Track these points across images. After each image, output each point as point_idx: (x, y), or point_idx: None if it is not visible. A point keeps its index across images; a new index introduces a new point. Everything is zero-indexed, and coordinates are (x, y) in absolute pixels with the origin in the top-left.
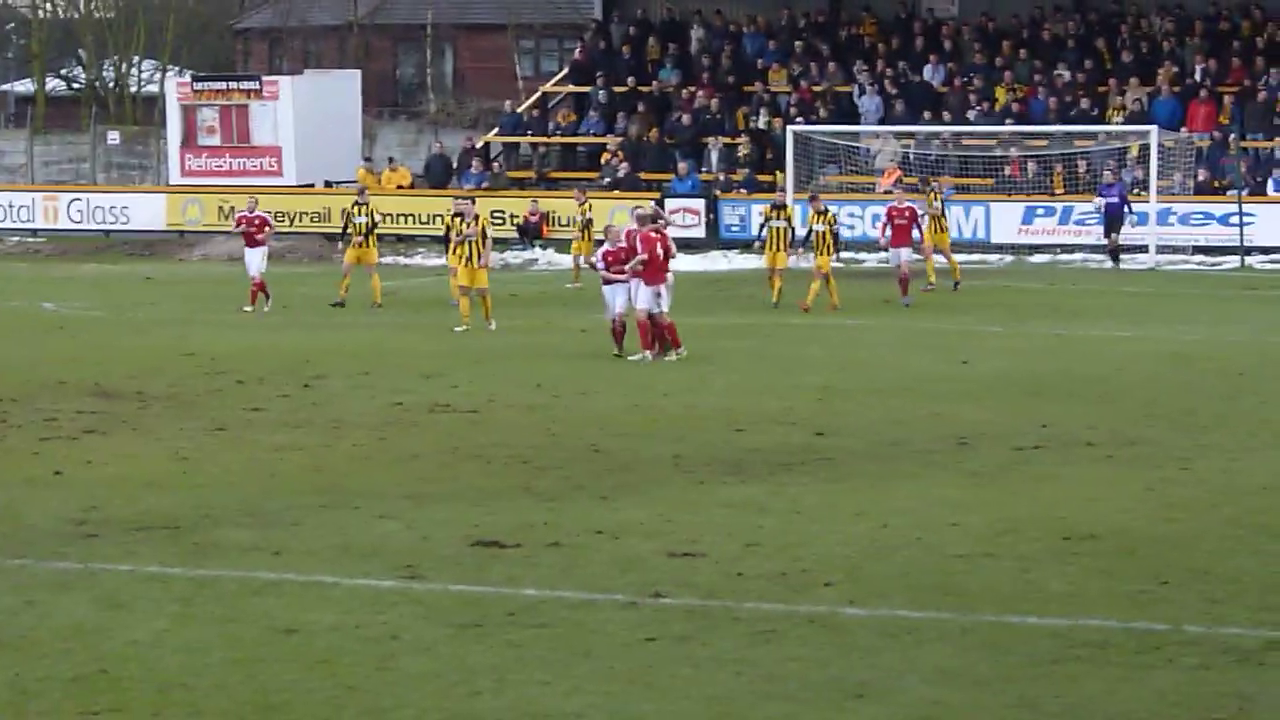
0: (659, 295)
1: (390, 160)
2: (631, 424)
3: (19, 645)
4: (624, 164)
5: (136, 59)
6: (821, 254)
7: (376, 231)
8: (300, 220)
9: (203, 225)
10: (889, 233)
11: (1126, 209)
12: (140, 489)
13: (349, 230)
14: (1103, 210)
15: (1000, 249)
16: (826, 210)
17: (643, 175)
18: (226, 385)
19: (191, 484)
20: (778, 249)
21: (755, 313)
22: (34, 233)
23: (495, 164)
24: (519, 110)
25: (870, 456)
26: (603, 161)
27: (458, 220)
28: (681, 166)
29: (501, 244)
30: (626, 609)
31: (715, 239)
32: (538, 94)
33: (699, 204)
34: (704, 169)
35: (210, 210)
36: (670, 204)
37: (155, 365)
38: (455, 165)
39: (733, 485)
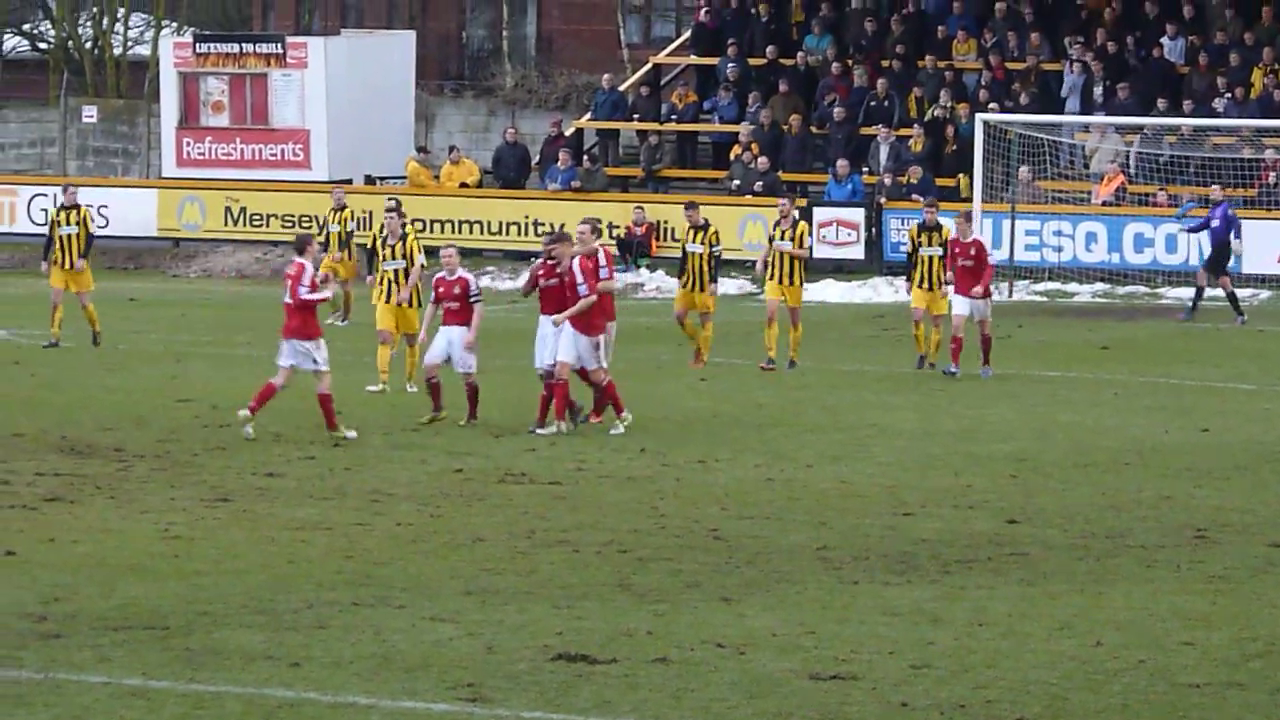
0: (597, 347)
1: (452, 150)
2: (764, 503)
3: None
4: (760, 159)
5: (122, 11)
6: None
7: (355, 241)
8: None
9: (204, 231)
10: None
11: (1234, 235)
12: (118, 575)
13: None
14: (1208, 234)
15: (1256, 280)
16: (708, 226)
17: (783, 175)
18: (232, 442)
19: (185, 571)
20: (928, 284)
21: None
22: None
23: (589, 157)
24: (622, 88)
25: (1077, 552)
26: (731, 157)
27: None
28: (839, 166)
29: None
30: None
31: (878, 260)
32: (648, 67)
33: (858, 215)
34: (865, 169)
35: (214, 212)
36: (820, 214)
37: (140, 414)
38: (537, 158)
39: (897, 587)
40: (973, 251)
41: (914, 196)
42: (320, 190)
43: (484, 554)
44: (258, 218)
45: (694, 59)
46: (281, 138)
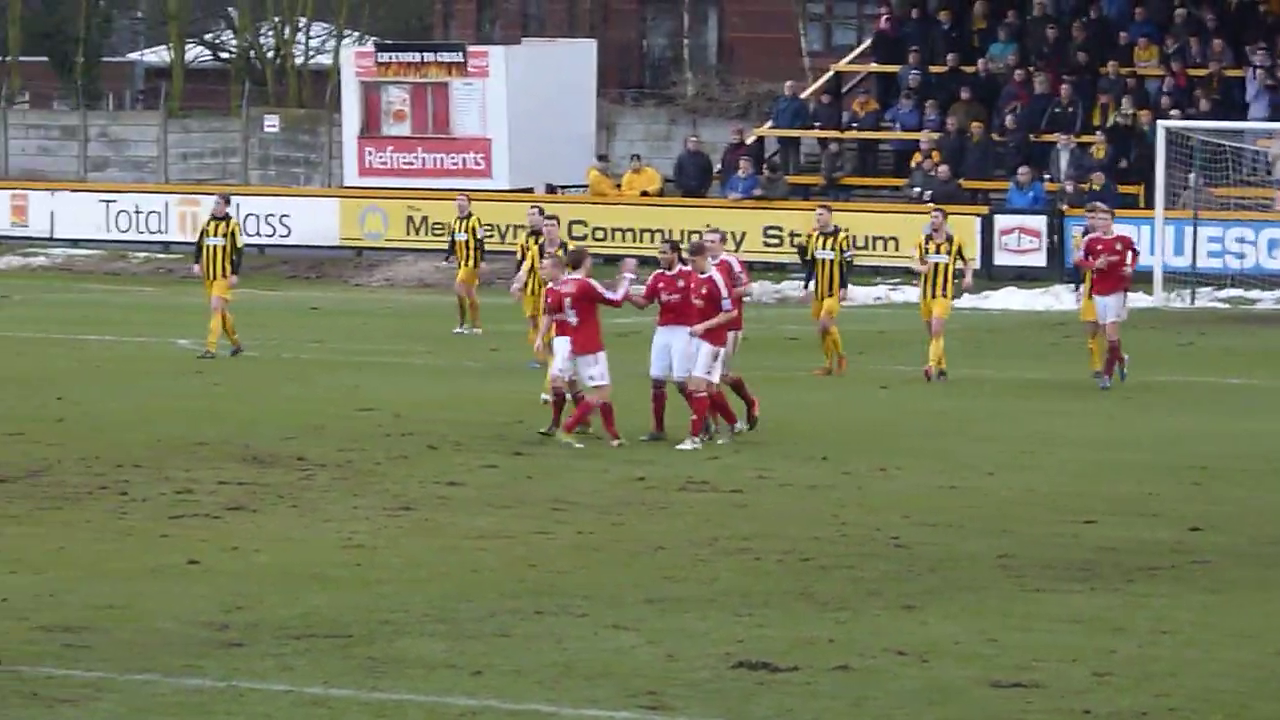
0: (716, 358)
1: (634, 159)
2: (945, 511)
3: None
4: (942, 167)
5: (303, 21)
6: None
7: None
8: (515, 235)
9: (386, 240)
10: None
11: None
12: (300, 585)
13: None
14: None
15: None
16: (838, 232)
17: (964, 183)
18: (414, 450)
19: (367, 579)
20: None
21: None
22: (166, 246)
23: (769, 166)
24: (803, 95)
25: (1262, 560)
26: (913, 164)
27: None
28: (1021, 173)
29: (778, 271)
30: None
31: (1059, 268)
32: (829, 74)
33: (1040, 223)
34: (1047, 176)
35: (396, 221)
36: (1002, 221)
37: (321, 423)
38: (718, 166)
39: (1080, 594)
40: (1118, 247)
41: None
42: (503, 199)
43: (665, 562)
44: (439, 227)
45: (875, 66)
46: (463, 147)
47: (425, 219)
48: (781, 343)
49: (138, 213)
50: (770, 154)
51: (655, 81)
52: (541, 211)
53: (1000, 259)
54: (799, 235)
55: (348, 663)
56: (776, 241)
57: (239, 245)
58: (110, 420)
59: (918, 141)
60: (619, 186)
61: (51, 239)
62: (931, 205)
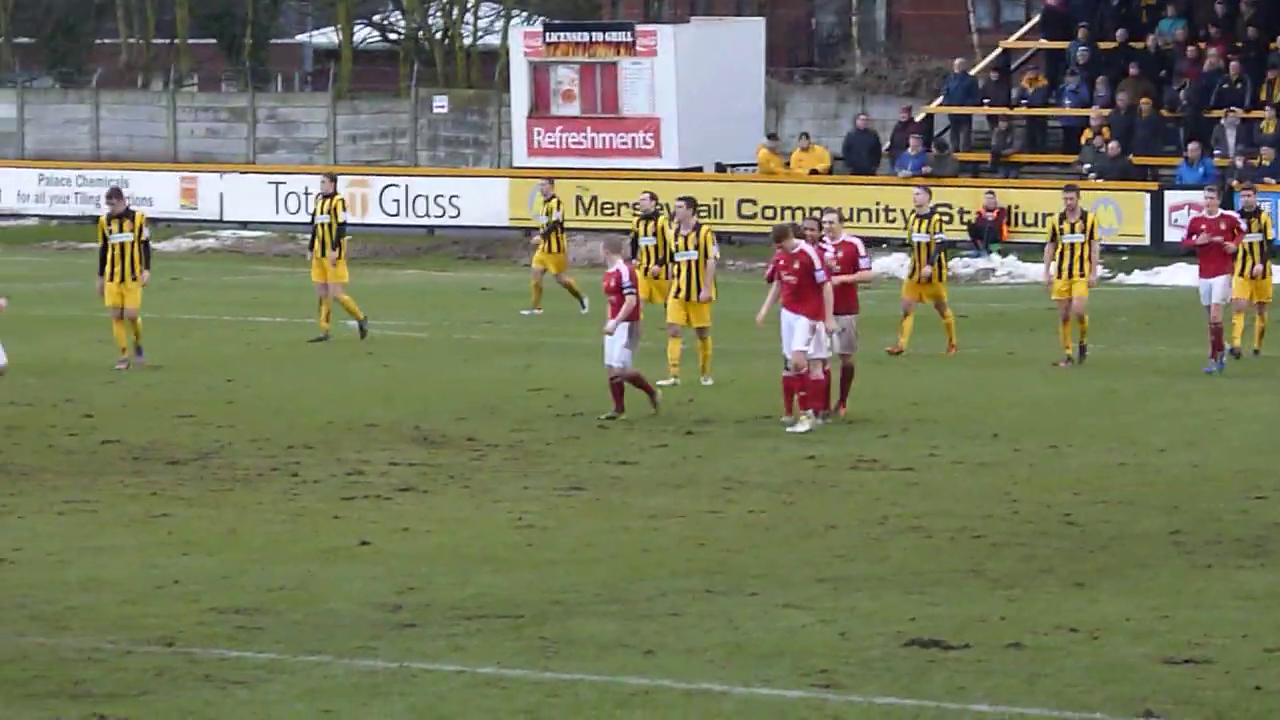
0: (813, 331)
1: (803, 137)
2: (1117, 488)
3: None
4: (1112, 143)
5: (471, 2)
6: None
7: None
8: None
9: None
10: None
11: None
12: (472, 565)
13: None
14: None
15: None
16: (934, 214)
17: (1134, 159)
18: (585, 431)
19: (538, 560)
20: (1254, 272)
21: None
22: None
23: (939, 143)
24: (972, 72)
25: None
26: (1083, 141)
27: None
28: (1191, 149)
29: (950, 249)
30: None
31: None
32: (997, 51)
33: (1200, 198)
34: (1216, 151)
35: (566, 201)
36: (1172, 197)
37: (493, 403)
38: (887, 144)
39: (1251, 570)
40: (1222, 226)
41: (1267, 179)
42: (673, 178)
43: (836, 541)
44: (609, 206)
45: (1044, 43)
46: (632, 126)
47: (595, 199)
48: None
49: (307, 194)
50: (939, 131)
51: (824, 60)
52: (653, 197)
53: (1170, 235)
54: (968, 213)
55: (520, 643)
56: (946, 220)
57: (341, 221)
58: (281, 402)
59: (1087, 118)
60: (788, 165)
61: (221, 221)
62: (1065, 183)
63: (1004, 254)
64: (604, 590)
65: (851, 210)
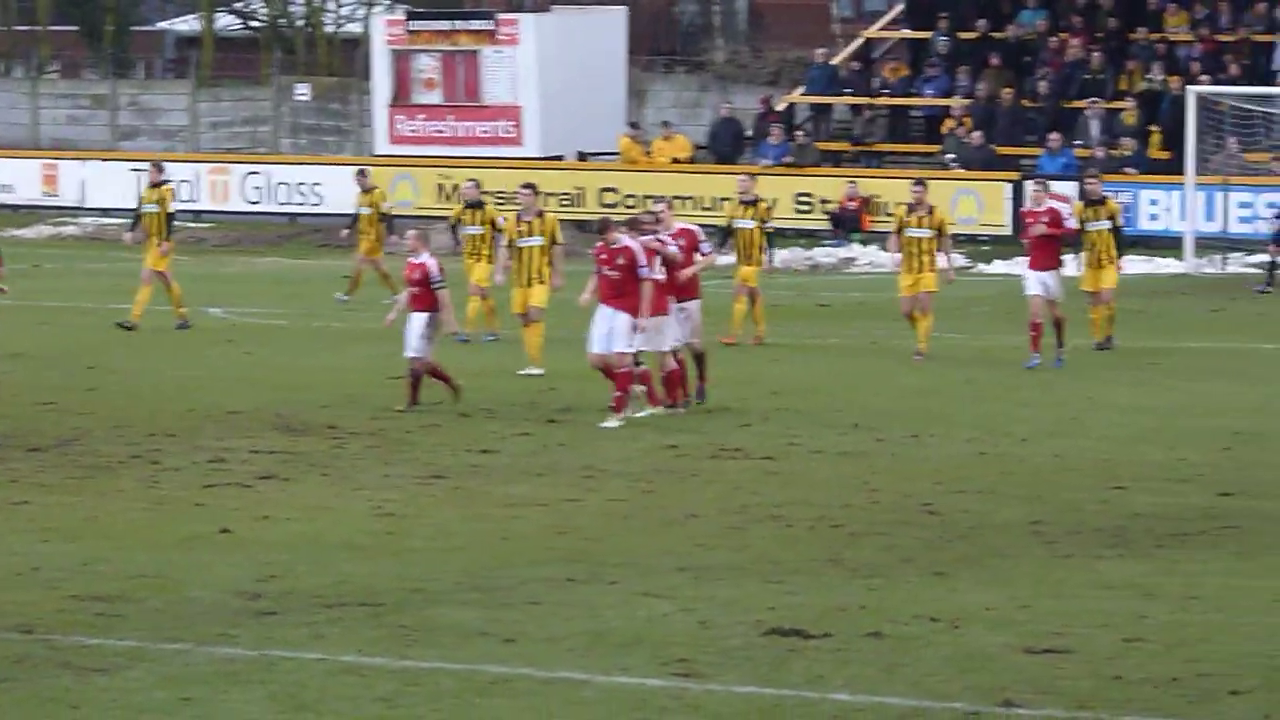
0: (634, 329)
1: (665, 125)
2: (978, 478)
3: None
4: (975, 133)
5: None
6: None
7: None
8: (545, 203)
9: (417, 209)
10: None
11: None
12: (333, 553)
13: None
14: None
15: None
16: (757, 201)
17: (997, 149)
18: (446, 419)
19: (399, 548)
20: (1098, 262)
21: (1144, 334)
22: (197, 215)
23: (801, 132)
24: (834, 62)
25: None
26: (944, 130)
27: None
28: (1052, 138)
29: (810, 238)
30: None
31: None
32: (859, 41)
33: (1071, 188)
34: (1077, 142)
35: (427, 189)
36: (1032, 188)
37: (353, 391)
38: (749, 133)
39: (1109, 561)
40: (1045, 220)
41: (1125, 169)
42: (534, 166)
43: (697, 530)
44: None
45: (906, 33)
46: (493, 114)
47: (456, 187)
48: (812, 310)
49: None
50: (801, 120)
51: (686, 49)
52: (477, 185)
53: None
54: (829, 202)
55: (380, 631)
56: (807, 208)
57: (170, 211)
58: (142, 389)
59: (948, 108)
60: (650, 154)
61: (82, 208)
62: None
63: (865, 243)
64: (464, 579)
65: (713, 199)
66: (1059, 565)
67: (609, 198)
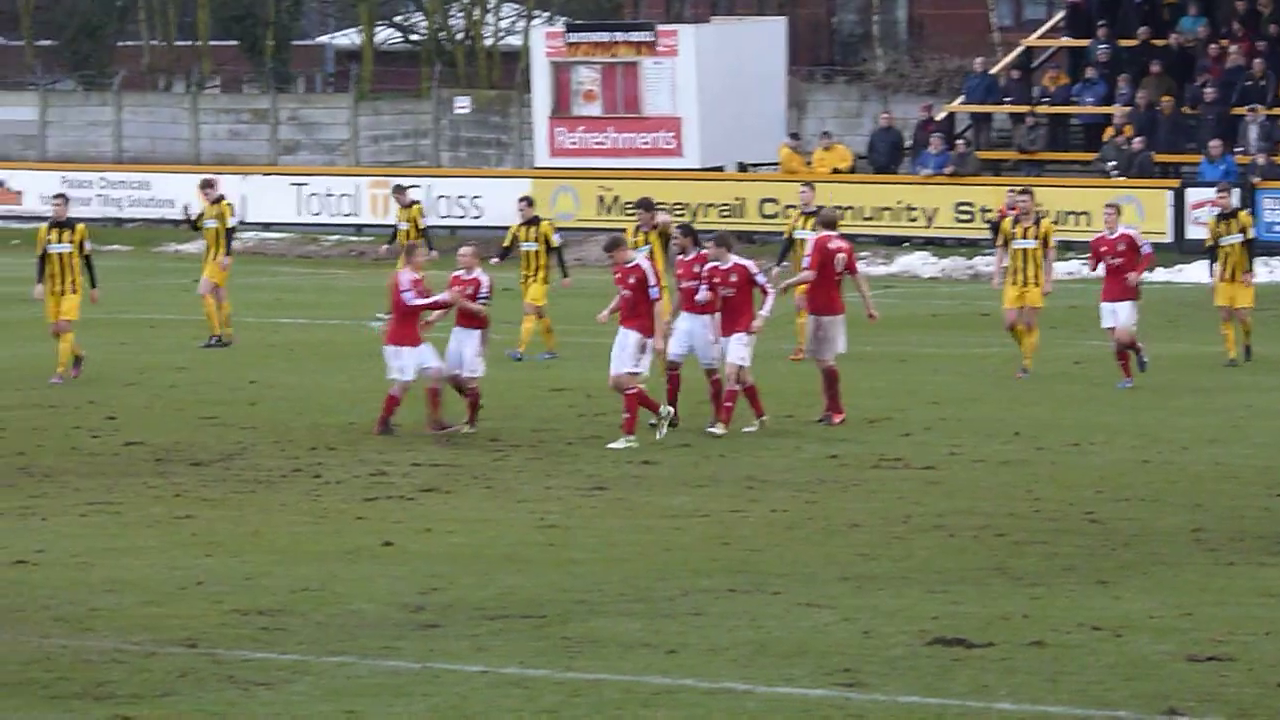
0: (643, 349)
1: (825, 135)
2: (1140, 486)
3: None
4: (1136, 140)
5: (493, 2)
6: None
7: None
8: (706, 214)
9: (578, 220)
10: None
11: None
12: (495, 565)
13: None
14: None
15: None
16: (819, 212)
17: (1156, 156)
18: (607, 431)
19: (561, 559)
20: (1232, 276)
21: None
22: (358, 229)
23: (961, 142)
24: (993, 71)
25: None
26: (1104, 139)
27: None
28: (1213, 145)
29: (971, 247)
30: None
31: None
32: (1019, 49)
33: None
34: (1239, 149)
35: (588, 201)
36: (1194, 194)
37: (516, 404)
38: (909, 143)
39: (1274, 567)
40: (1120, 247)
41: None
42: (694, 178)
43: (859, 539)
44: (631, 206)
45: (1066, 41)
46: (653, 126)
47: (617, 198)
48: (974, 319)
49: (329, 196)
50: (961, 130)
51: (845, 59)
52: (531, 202)
53: (1192, 232)
54: (990, 211)
55: (543, 643)
56: (968, 218)
57: (230, 226)
58: (304, 403)
59: (1109, 116)
60: (810, 164)
61: (243, 223)
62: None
63: None
64: (627, 590)
65: (874, 209)
66: (1222, 573)
67: (769, 209)
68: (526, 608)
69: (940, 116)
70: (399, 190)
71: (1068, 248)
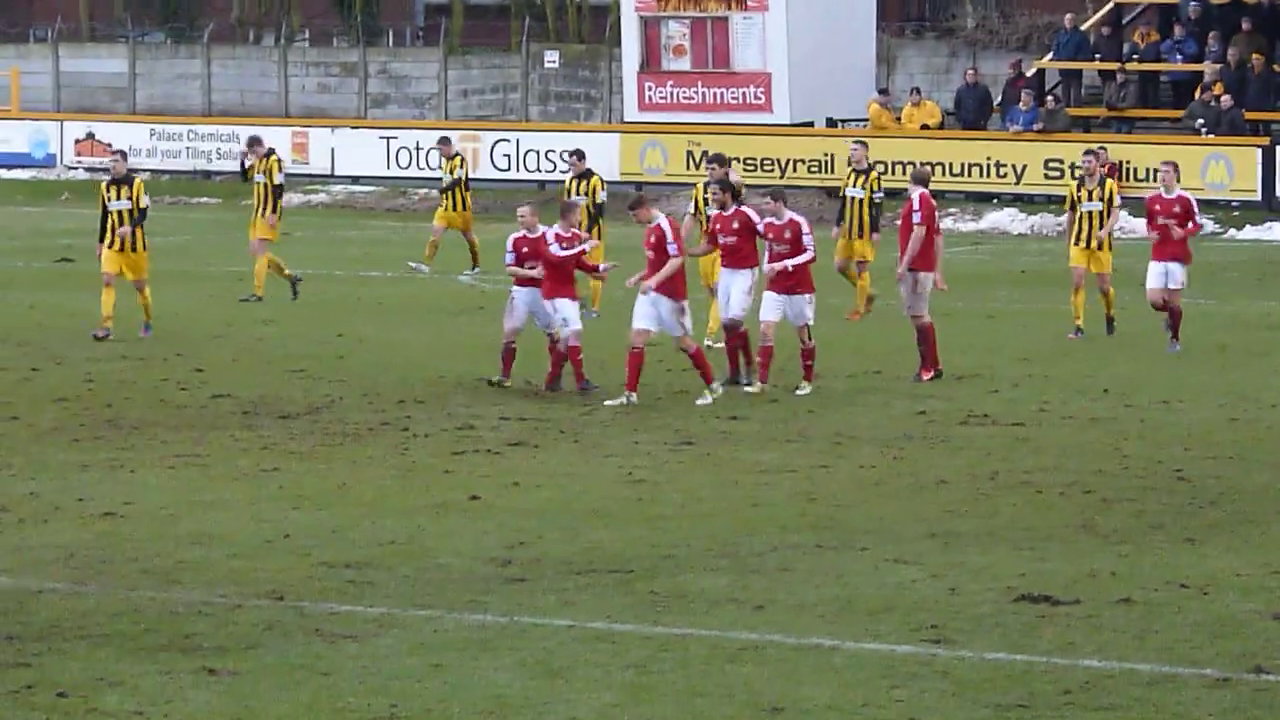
0: (682, 313)
1: (914, 92)
2: (1229, 443)
3: None
4: (1225, 97)
5: None
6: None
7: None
8: (795, 169)
9: (666, 175)
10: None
11: None
12: (582, 520)
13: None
14: None
15: None
16: (870, 170)
17: (1247, 114)
18: (694, 386)
19: (649, 515)
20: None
21: None
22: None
23: (1051, 98)
24: (1084, 27)
25: None
26: (1195, 96)
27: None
28: None
29: (1059, 204)
30: (1218, 687)
31: None
32: (1109, 6)
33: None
34: None
35: (677, 156)
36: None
37: (605, 358)
38: (998, 99)
39: None
40: (1176, 209)
41: None
42: (783, 133)
43: (947, 496)
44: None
45: None
46: (743, 81)
47: (706, 153)
48: (1063, 275)
49: (418, 149)
50: (1051, 86)
51: (935, 14)
52: (582, 155)
53: None
54: (1079, 168)
55: (630, 598)
56: (1058, 174)
57: (277, 183)
58: (391, 357)
59: (1198, 73)
60: (899, 120)
61: (332, 176)
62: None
63: (1121, 208)
64: (714, 545)
65: (963, 165)
66: None
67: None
68: (613, 562)
69: (1030, 73)
70: (445, 141)
71: None
